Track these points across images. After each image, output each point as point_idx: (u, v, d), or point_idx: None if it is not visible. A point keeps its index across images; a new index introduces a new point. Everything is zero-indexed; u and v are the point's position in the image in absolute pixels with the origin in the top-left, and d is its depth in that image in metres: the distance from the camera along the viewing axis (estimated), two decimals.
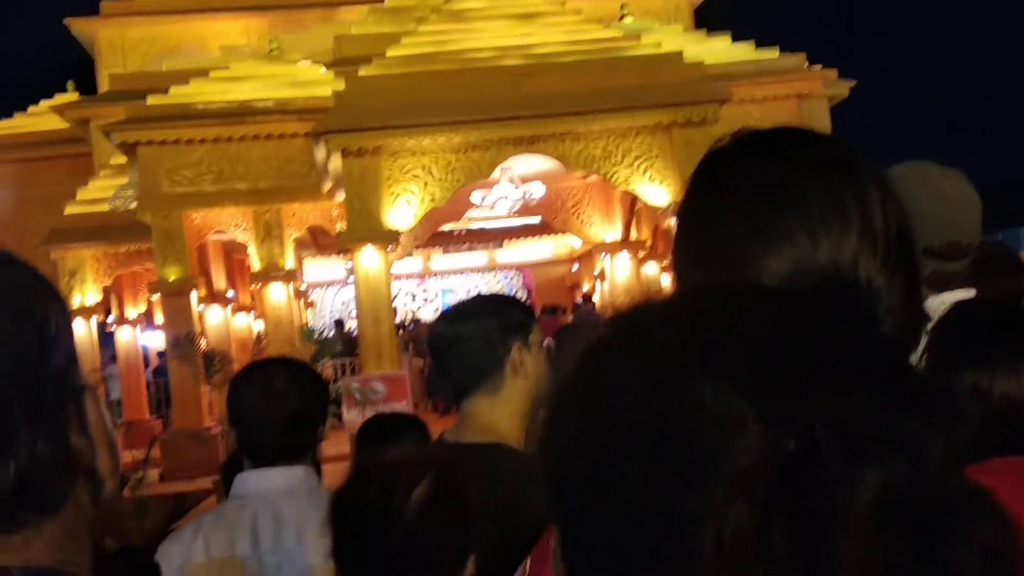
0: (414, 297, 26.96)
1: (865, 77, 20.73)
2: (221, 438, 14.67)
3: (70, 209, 18.14)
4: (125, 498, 10.38)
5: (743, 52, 18.03)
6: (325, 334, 19.26)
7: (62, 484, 0.84)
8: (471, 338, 2.34)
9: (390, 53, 15.24)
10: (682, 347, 0.58)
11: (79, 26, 23.55)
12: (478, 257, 26.54)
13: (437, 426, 3.16)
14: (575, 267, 25.63)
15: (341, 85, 15.02)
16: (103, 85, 21.80)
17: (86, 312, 17.90)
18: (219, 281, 18.24)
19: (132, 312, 19.52)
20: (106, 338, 19.56)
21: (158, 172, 15.73)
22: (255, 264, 16.35)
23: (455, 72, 14.60)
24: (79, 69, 24.01)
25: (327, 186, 15.80)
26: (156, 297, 17.10)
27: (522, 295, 25.71)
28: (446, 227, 18.89)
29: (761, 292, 0.72)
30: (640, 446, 0.55)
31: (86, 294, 18.05)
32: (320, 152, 15.11)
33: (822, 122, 17.71)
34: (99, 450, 0.87)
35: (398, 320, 20.10)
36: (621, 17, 18.44)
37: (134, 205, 16.27)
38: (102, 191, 18.15)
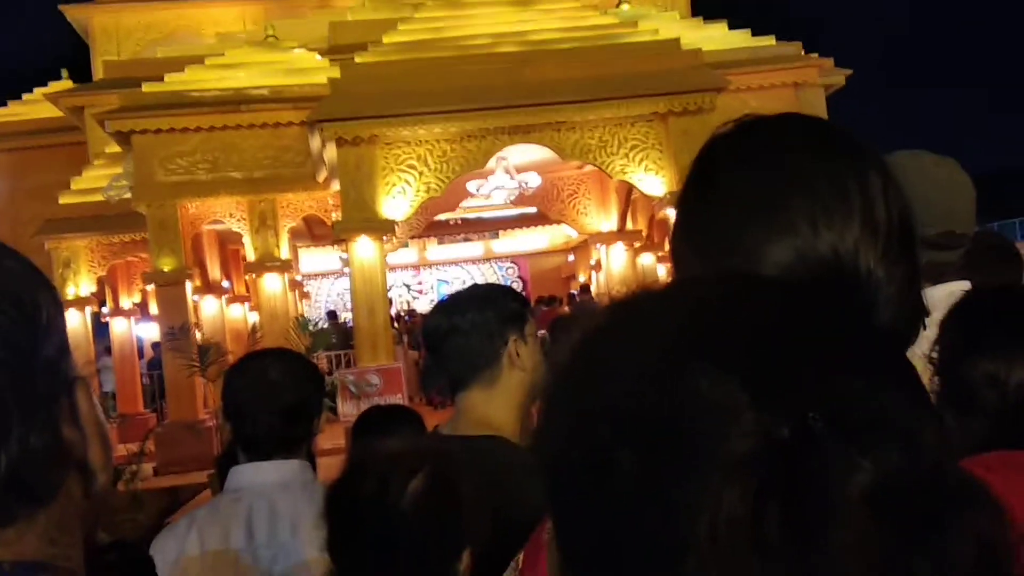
0: (409, 288, 26.94)
1: (862, 66, 20.75)
2: (216, 431, 14.65)
3: (64, 199, 18.09)
4: (119, 492, 10.38)
5: (740, 40, 18.03)
6: (319, 325, 19.25)
7: (54, 477, 0.83)
8: (467, 330, 2.32)
9: (386, 40, 15.24)
10: (678, 335, 0.58)
11: (74, 13, 23.49)
12: (474, 247, 26.53)
13: (431, 419, 3.15)
14: (571, 258, 25.63)
15: (337, 73, 15.00)
16: (98, 72, 21.73)
17: (80, 303, 17.89)
18: (214, 271, 18.22)
19: (127, 302, 19.48)
20: (101, 329, 19.52)
21: (152, 161, 15.69)
22: (250, 254, 16.32)
23: (451, 59, 14.59)
24: (74, 56, 23.93)
25: (322, 175, 15.78)
26: (151, 287, 17.07)
27: (517, 286, 25.71)
28: (441, 217, 18.88)
29: (757, 281, 0.73)
30: (635, 434, 0.55)
31: (80, 284, 18.03)
32: (315, 141, 15.09)
33: (819, 111, 17.71)
34: (91, 442, 0.87)
35: (393, 311, 20.07)
36: (618, 4, 18.41)
37: (129, 195, 16.22)
38: (96, 180, 18.08)
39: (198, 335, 16.49)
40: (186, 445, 14.71)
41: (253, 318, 18.97)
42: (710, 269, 1.00)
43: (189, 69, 16.39)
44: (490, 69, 14.32)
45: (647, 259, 18.16)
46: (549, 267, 26.66)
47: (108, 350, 19.76)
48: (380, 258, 14.50)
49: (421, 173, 14.39)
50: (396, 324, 19.40)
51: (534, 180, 16.34)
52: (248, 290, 19.23)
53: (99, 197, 17.52)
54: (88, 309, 18.23)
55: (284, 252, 16.31)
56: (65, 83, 21.59)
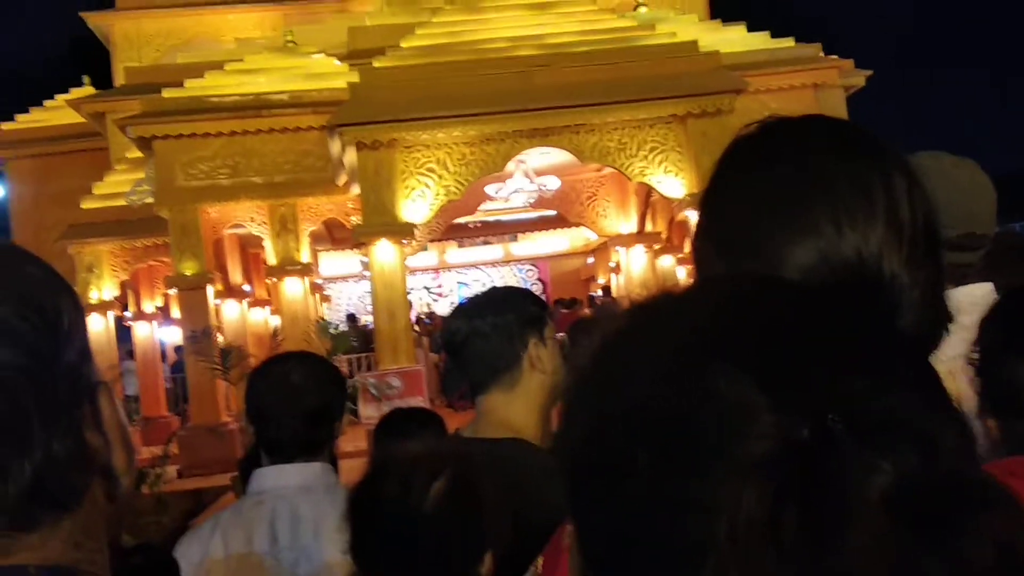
0: (429, 290, 26.94)
1: (881, 66, 20.62)
2: (239, 434, 14.69)
3: (87, 204, 18.17)
4: (144, 495, 10.43)
5: (758, 41, 17.96)
6: (339, 328, 19.26)
7: (78, 482, 0.84)
8: (488, 333, 2.32)
9: (404, 44, 15.25)
10: (696, 336, 0.59)
11: (95, 20, 23.60)
12: (493, 250, 26.51)
13: (452, 421, 3.16)
14: (590, 260, 25.59)
15: (356, 77, 15.02)
16: (119, 78, 21.83)
17: (103, 307, 17.96)
18: (235, 275, 18.26)
19: (149, 306, 19.53)
20: (123, 333, 19.59)
21: (174, 166, 15.76)
22: (271, 258, 16.37)
23: (469, 63, 14.58)
24: (95, 63, 24.06)
25: (342, 179, 15.81)
26: (173, 291, 17.13)
27: (537, 288, 25.70)
28: (461, 220, 18.87)
29: (775, 282, 0.73)
30: (653, 434, 0.56)
31: (103, 289, 18.08)
32: (335, 145, 15.12)
33: (839, 112, 17.62)
34: (115, 447, 0.87)
35: (414, 315, 20.09)
36: (636, 7, 18.36)
37: (151, 199, 16.29)
38: (118, 185, 18.17)
39: (220, 339, 16.53)
40: (209, 448, 14.74)
41: (274, 321, 19.02)
42: (733, 270, 1.00)
43: (209, 75, 16.46)
44: (508, 72, 14.31)
45: (667, 261, 18.12)
46: (569, 270, 26.62)
47: (131, 354, 19.82)
48: (400, 261, 14.50)
49: (440, 177, 14.39)
50: (417, 327, 19.41)
51: (553, 183, 16.31)
52: (269, 294, 19.27)
53: (121, 202, 17.61)
54: (111, 313, 18.28)
55: (304, 256, 16.34)
56: (87, 89, 21.71)
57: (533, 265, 27.19)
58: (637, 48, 14.94)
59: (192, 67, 17.53)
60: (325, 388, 2.56)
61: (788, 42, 18.13)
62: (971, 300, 1.75)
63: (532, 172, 15.84)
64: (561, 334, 2.47)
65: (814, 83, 17.66)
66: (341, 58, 17.09)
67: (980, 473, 0.56)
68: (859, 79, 19.24)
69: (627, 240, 17.77)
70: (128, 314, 19.56)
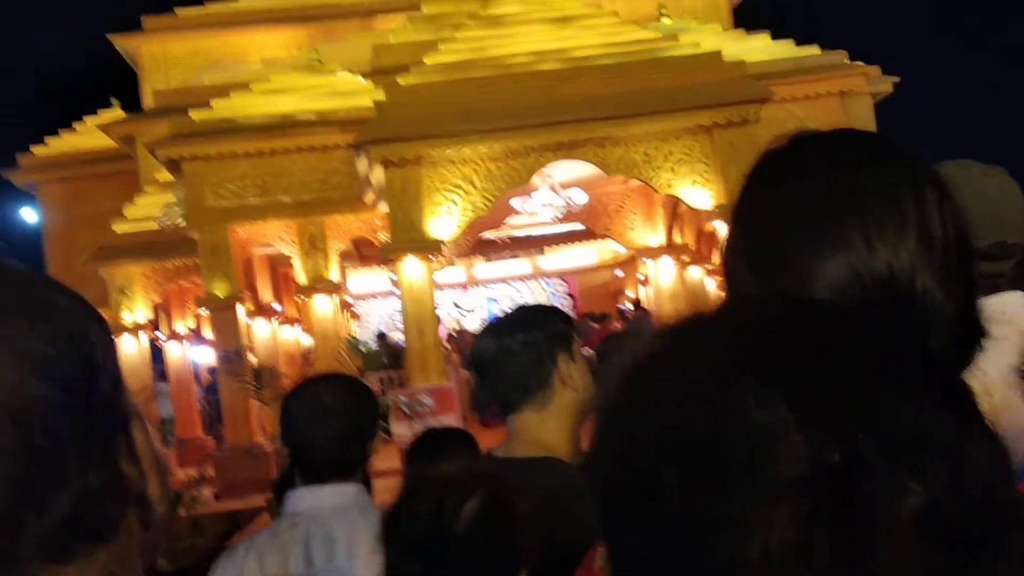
0: (458, 306, 26.92)
1: (909, 73, 20.51)
2: (274, 455, 14.73)
3: (118, 226, 18.34)
4: (180, 517, 10.47)
5: (783, 50, 17.92)
6: (369, 346, 19.29)
7: (114, 513, 0.84)
8: (518, 352, 2.30)
9: (428, 61, 15.31)
10: (726, 356, 0.59)
11: (122, 42, 23.83)
12: (521, 265, 26.45)
13: (485, 438, 3.14)
14: (619, 273, 25.51)
15: (380, 94, 15.10)
16: (147, 100, 22.04)
17: (137, 329, 18.06)
18: (265, 294, 18.36)
19: (181, 327, 19.65)
20: (156, 354, 19.69)
21: (203, 187, 15.89)
22: (300, 277, 16.45)
23: (493, 78, 14.63)
24: (123, 84, 24.28)
25: (369, 197, 15.88)
26: (204, 312, 17.22)
27: (567, 302, 25.65)
28: (488, 235, 18.88)
29: (808, 303, 0.73)
30: (683, 454, 0.56)
31: (136, 311, 18.20)
32: (362, 163, 15.19)
33: (866, 119, 17.56)
34: (149, 475, 0.87)
35: (444, 332, 20.04)
36: (659, 18, 18.37)
37: (181, 222, 16.41)
38: (148, 207, 18.31)
39: (252, 358, 16.61)
40: (244, 469, 14.81)
41: (305, 340, 19.07)
42: (764, 284, 1.01)
43: (236, 95, 16.60)
44: (532, 87, 14.34)
45: (696, 273, 18.05)
46: (597, 283, 26.53)
47: (163, 375, 19.93)
48: (428, 278, 14.54)
49: (467, 192, 14.43)
50: (448, 344, 19.37)
51: (580, 197, 16.30)
52: (299, 312, 19.36)
53: (152, 224, 17.74)
54: (144, 335, 18.38)
55: (334, 274, 16.41)
56: (116, 112, 21.92)
57: (562, 279, 27.11)
58: (661, 59, 14.93)
59: (219, 88, 17.70)
60: (357, 409, 2.57)
61: (813, 50, 18.07)
62: (1003, 310, 1.73)
63: (558, 186, 15.84)
64: (589, 349, 2.46)
65: (840, 91, 17.61)
66: (366, 76, 17.18)
67: (1013, 492, 0.56)
68: (886, 85, 19.16)
69: (655, 252, 17.72)
70: (161, 335, 19.66)
